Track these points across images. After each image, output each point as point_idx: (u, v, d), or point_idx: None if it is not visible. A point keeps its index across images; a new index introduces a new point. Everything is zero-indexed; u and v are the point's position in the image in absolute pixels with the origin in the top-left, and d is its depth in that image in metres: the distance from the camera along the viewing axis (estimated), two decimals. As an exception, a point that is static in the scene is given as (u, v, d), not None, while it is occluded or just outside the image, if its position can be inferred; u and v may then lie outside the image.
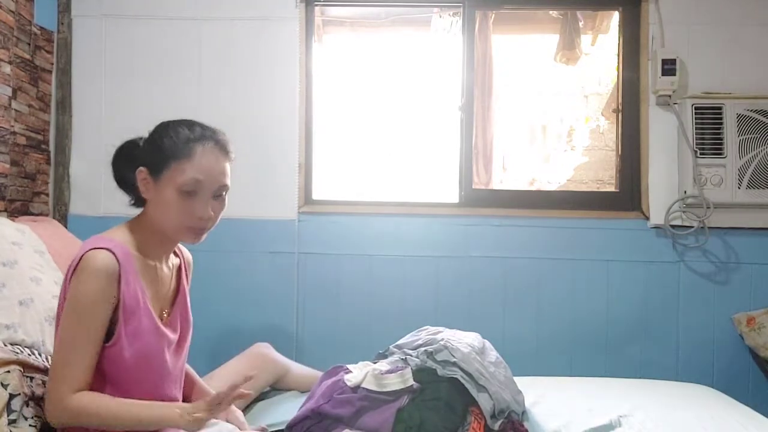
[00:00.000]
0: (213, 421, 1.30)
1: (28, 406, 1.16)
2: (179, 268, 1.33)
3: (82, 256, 1.10)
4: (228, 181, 1.20)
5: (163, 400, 1.21)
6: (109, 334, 1.11)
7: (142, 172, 1.17)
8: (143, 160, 1.18)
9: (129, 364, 1.13)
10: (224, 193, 1.20)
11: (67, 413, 1.06)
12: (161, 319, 1.21)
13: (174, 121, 1.21)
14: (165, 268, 1.26)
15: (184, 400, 1.36)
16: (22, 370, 1.20)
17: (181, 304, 1.30)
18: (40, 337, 1.39)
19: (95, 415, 1.06)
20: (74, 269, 1.10)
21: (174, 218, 1.15)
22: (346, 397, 1.34)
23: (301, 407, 1.38)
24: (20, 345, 1.34)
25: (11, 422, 1.12)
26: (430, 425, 1.31)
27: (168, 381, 1.22)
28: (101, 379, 1.13)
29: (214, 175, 1.16)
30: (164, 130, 1.19)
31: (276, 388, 1.66)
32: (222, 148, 1.19)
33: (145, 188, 1.18)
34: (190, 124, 1.20)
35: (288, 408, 1.50)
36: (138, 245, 1.18)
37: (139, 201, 1.24)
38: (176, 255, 1.33)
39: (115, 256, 1.10)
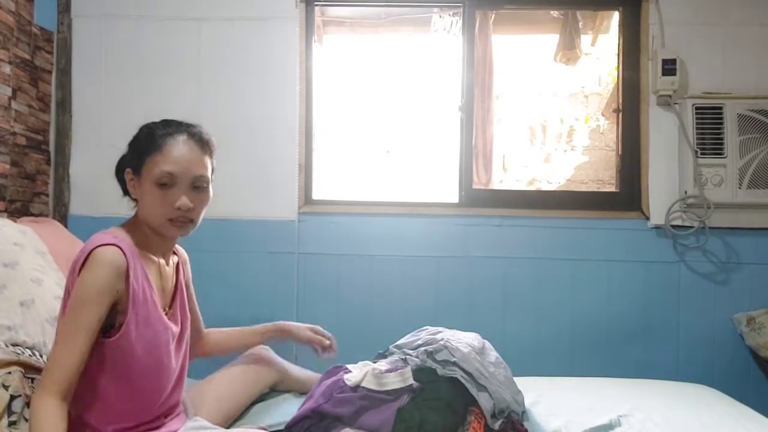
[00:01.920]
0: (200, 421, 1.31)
1: (29, 407, 1.16)
2: (177, 265, 1.38)
3: (89, 252, 1.11)
4: (205, 172, 1.23)
5: (163, 397, 1.22)
6: (116, 326, 1.13)
7: (128, 173, 1.23)
8: (128, 162, 1.24)
9: (137, 354, 1.15)
10: (204, 184, 1.23)
11: (31, 409, 1.04)
12: (165, 313, 1.25)
13: (153, 121, 1.26)
14: (166, 266, 1.30)
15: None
16: (23, 371, 1.21)
17: (181, 299, 1.34)
18: (41, 338, 1.39)
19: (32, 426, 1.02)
20: (81, 265, 1.11)
21: (155, 211, 1.19)
22: (346, 396, 1.34)
23: (300, 407, 1.37)
24: (21, 346, 1.34)
25: (11, 423, 1.12)
26: (431, 425, 1.31)
27: (170, 376, 1.25)
28: (108, 376, 1.14)
29: (186, 166, 1.19)
30: (141, 129, 1.26)
31: (275, 389, 1.66)
32: (197, 140, 1.23)
33: (133, 188, 1.23)
34: (165, 122, 1.25)
35: (287, 408, 1.50)
36: (139, 243, 1.22)
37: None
38: (174, 253, 1.38)
39: (122, 250, 1.13)
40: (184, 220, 1.21)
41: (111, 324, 1.14)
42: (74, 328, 1.06)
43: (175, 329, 1.28)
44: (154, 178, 1.18)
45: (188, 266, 1.48)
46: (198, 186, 1.22)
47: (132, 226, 1.24)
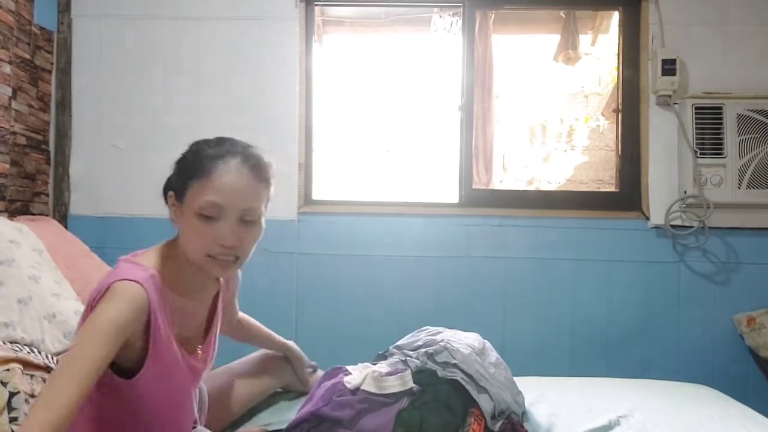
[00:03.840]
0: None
1: (28, 403, 1.16)
2: (215, 297, 1.23)
3: (110, 284, 0.97)
4: (257, 204, 1.05)
5: (182, 423, 1.17)
6: (126, 369, 1.01)
7: (171, 197, 1.07)
8: (172, 183, 1.08)
9: (152, 402, 1.05)
10: (254, 218, 1.05)
11: None
12: (191, 354, 1.14)
13: (206, 138, 1.09)
14: (198, 305, 1.16)
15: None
16: (22, 368, 1.20)
17: (212, 337, 1.22)
18: (39, 335, 1.39)
19: None
20: (101, 297, 0.97)
21: (194, 244, 1.03)
22: (346, 399, 1.33)
23: (300, 409, 1.37)
24: (19, 343, 1.34)
25: (12, 420, 1.12)
26: (430, 426, 1.30)
27: (187, 412, 1.18)
28: (124, 416, 1.05)
29: (236, 197, 1.02)
30: (191, 147, 1.08)
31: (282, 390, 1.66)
32: (251, 165, 1.05)
33: (174, 214, 1.06)
34: (219, 141, 1.07)
35: (288, 409, 1.50)
36: (171, 279, 1.06)
37: None
38: (216, 281, 1.24)
39: (147, 292, 0.98)
40: (228, 258, 1.04)
41: (129, 367, 1.01)
42: (82, 364, 0.90)
43: (200, 367, 1.16)
44: (196, 208, 1.01)
45: (238, 276, 1.36)
46: (248, 220, 1.04)
47: (169, 256, 1.08)
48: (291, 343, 1.65)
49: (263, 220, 1.09)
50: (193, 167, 1.03)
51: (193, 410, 1.22)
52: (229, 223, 1.02)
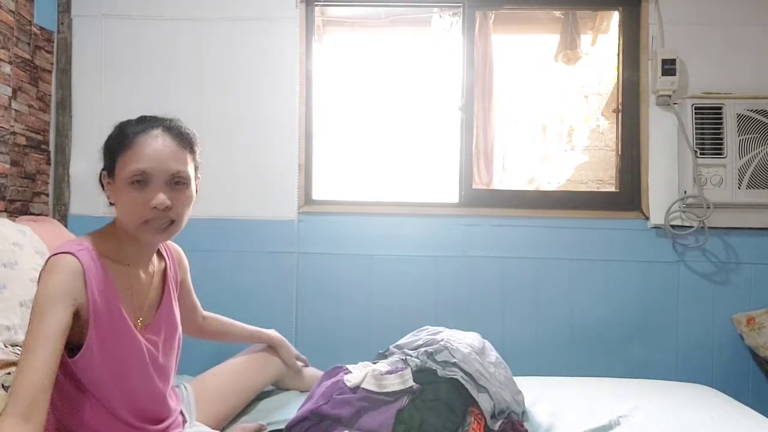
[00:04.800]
0: (196, 424, 1.31)
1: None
2: (164, 272, 1.28)
3: (47, 261, 1.05)
4: (184, 168, 1.11)
5: (147, 403, 1.18)
6: (78, 346, 1.06)
7: (104, 176, 1.14)
8: (104, 166, 1.15)
9: (103, 374, 1.08)
10: (183, 181, 1.12)
11: None
12: (141, 326, 1.16)
13: (128, 119, 1.16)
14: (143, 275, 1.20)
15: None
16: (22, 371, 1.20)
17: (166, 308, 1.25)
18: (40, 337, 1.39)
19: None
20: (42, 274, 1.05)
21: (130, 213, 1.09)
22: (346, 397, 1.34)
23: (300, 408, 1.37)
24: (21, 346, 1.34)
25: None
26: (430, 426, 1.31)
27: (149, 392, 1.18)
28: (83, 395, 1.09)
29: (160, 162, 1.08)
30: (115, 128, 1.15)
31: (277, 386, 1.67)
32: (174, 134, 1.12)
33: (109, 191, 1.14)
34: (140, 119, 1.15)
35: (288, 407, 1.50)
36: (110, 251, 1.13)
37: None
38: (161, 258, 1.28)
39: (79, 260, 1.04)
40: (163, 221, 1.10)
41: (79, 343, 1.06)
42: (34, 343, 0.96)
43: (156, 338, 1.19)
44: (126, 178, 1.07)
45: (184, 262, 1.40)
46: (176, 183, 1.11)
47: (106, 233, 1.15)
48: (272, 331, 1.65)
49: (194, 185, 1.16)
50: (118, 143, 1.11)
51: (162, 393, 1.22)
52: (159, 186, 1.09)
